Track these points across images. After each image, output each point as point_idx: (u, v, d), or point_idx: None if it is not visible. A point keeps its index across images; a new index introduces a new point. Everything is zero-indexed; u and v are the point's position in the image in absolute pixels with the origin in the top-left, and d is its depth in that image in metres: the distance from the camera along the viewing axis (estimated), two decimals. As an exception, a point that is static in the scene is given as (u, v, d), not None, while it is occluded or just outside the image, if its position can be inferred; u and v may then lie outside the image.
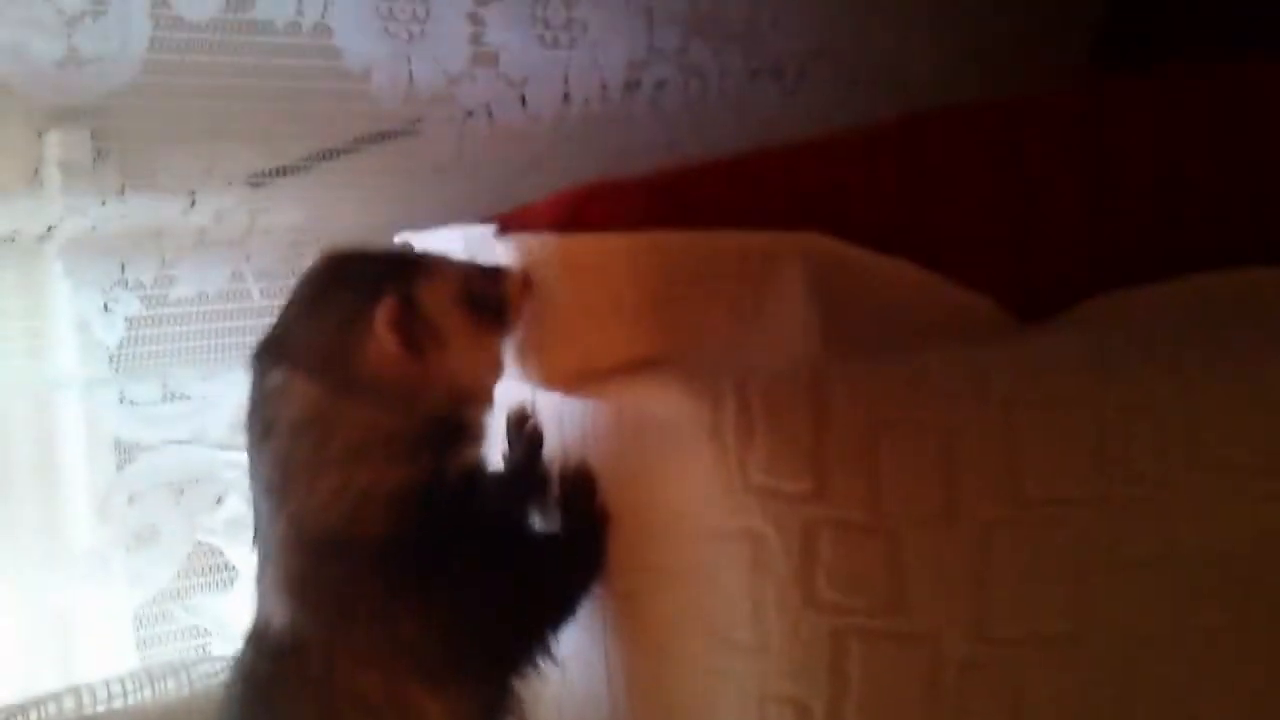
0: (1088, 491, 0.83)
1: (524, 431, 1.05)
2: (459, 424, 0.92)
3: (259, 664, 0.90)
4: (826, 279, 0.92)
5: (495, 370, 0.96)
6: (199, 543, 1.37)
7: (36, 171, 1.26)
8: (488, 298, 0.93)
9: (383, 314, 0.87)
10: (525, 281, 0.96)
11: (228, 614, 1.36)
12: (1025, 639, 0.81)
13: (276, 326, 0.94)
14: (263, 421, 0.90)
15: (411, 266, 0.93)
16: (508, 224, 1.06)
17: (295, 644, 0.88)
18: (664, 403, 0.88)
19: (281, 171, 1.38)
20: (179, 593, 1.33)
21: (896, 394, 0.84)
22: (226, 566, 1.39)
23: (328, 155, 1.42)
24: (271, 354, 0.91)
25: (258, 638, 0.91)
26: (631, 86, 1.54)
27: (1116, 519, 0.83)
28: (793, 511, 0.81)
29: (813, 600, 0.81)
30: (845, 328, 0.89)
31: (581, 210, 0.96)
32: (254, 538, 0.93)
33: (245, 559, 1.38)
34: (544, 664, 0.93)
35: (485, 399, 0.95)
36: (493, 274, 0.96)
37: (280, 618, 0.89)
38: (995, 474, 0.82)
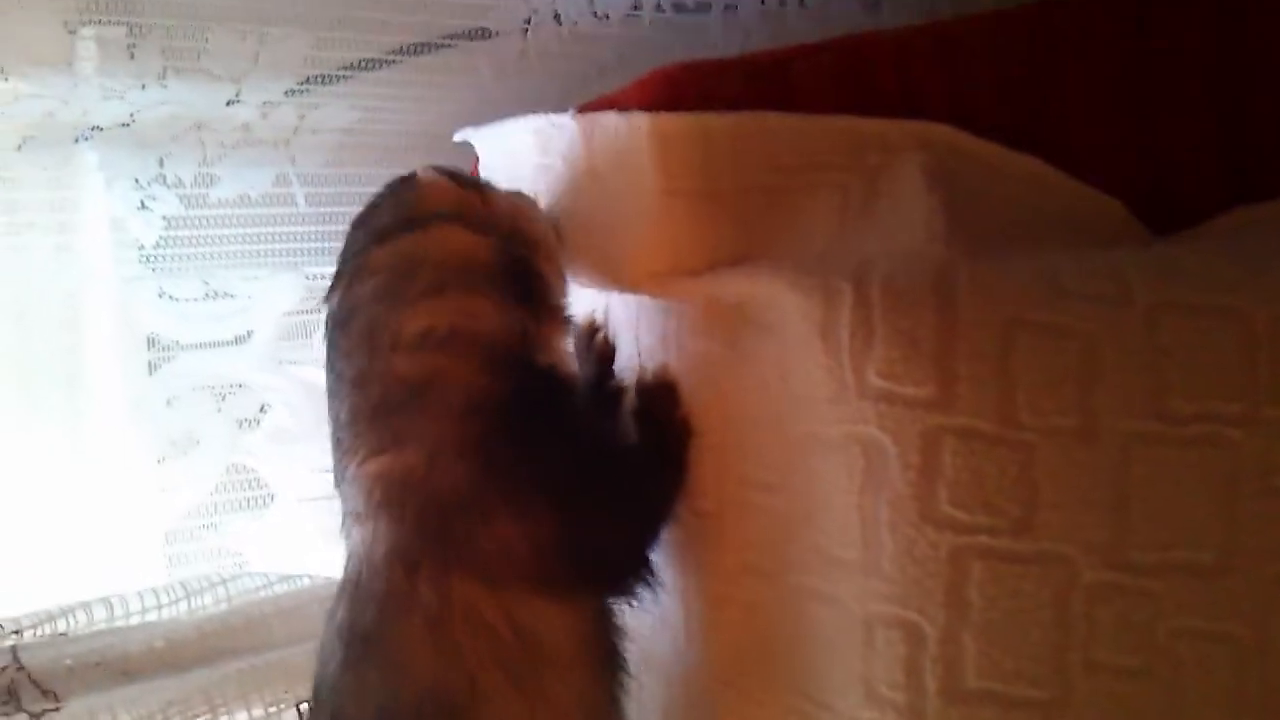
0: (1237, 411, 0.74)
1: (594, 345, 0.97)
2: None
3: (361, 616, 0.82)
4: (948, 172, 0.83)
5: None
6: (232, 464, 1.30)
7: (72, 53, 1.18)
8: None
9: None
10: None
11: (263, 537, 1.29)
12: (1165, 567, 0.73)
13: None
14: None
15: None
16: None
17: (399, 579, 0.80)
18: (766, 301, 0.80)
19: (330, 78, 1.30)
20: (214, 508, 1.26)
21: (1030, 295, 0.75)
22: (260, 484, 1.32)
23: (384, 58, 1.33)
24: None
25: (354, 588, 0.83)
26: (707, -4, 1.44)
27: (1268, 442, 0.74)
28: (913, 419, 0.73)
29: (931, 516, 0.73)
30: (969, 226, 0.81)
31: (673, 91, 0.87)
32: (335, 481, 0.86)
33: (284, 481, 1.32)
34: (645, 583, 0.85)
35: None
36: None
37: (380, 548, 0.81)
38: (1138, 386, 0.74)
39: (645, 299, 0.92)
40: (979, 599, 0.73)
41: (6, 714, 0.97)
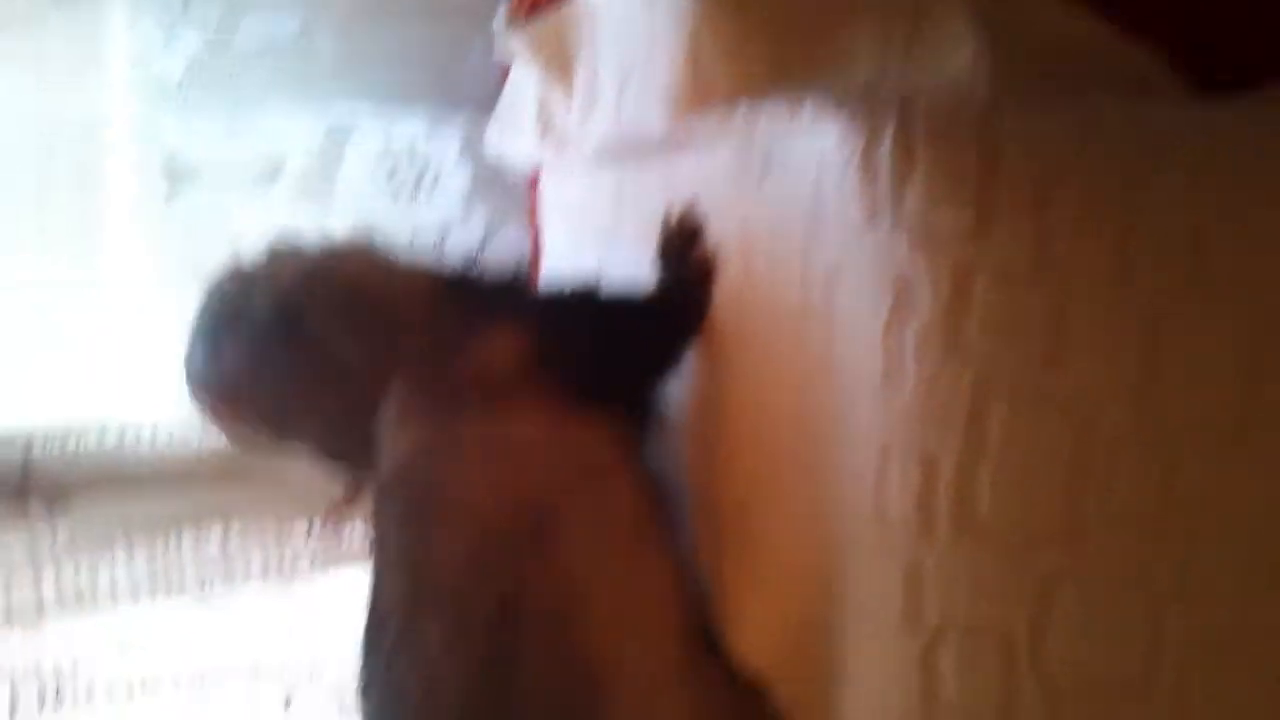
0: (1271, 271, 0.74)
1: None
2: None
3: (412, 490, 0.85)
4: (994, 13, 0.81)
5: None
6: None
7: None
8: None
9: None
10: None
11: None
12: (1188, 424, 0.73)
13: None
14: None
15: None
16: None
17: (438, 438, 0.84)
18: (802, 133, 0.79)
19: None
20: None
21: (1073, 141, 0.75)
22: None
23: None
24: None
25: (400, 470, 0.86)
26: None
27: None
28: (948, 249, 0.73)
29: (958, 347, 0.73)
30: (1013, 69, 0.80)
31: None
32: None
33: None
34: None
35: None
36: None
37: (413, 422, 0.86)
38: (1175, 243, 0.74)
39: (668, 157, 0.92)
40: (998, 435, 0.73)
41: (17, 517, 0.98)
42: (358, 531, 1.07)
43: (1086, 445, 0.73)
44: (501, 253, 1.13)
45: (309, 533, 1.04)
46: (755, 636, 0.87)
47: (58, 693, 1.03)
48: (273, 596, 1.07)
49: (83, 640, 1.03)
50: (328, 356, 0.91)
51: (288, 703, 1.14)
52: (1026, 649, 0.75)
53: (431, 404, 0.87)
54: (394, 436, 0.87)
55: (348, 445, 0.93)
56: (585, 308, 0.90)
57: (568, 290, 0.93)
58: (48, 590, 0.99)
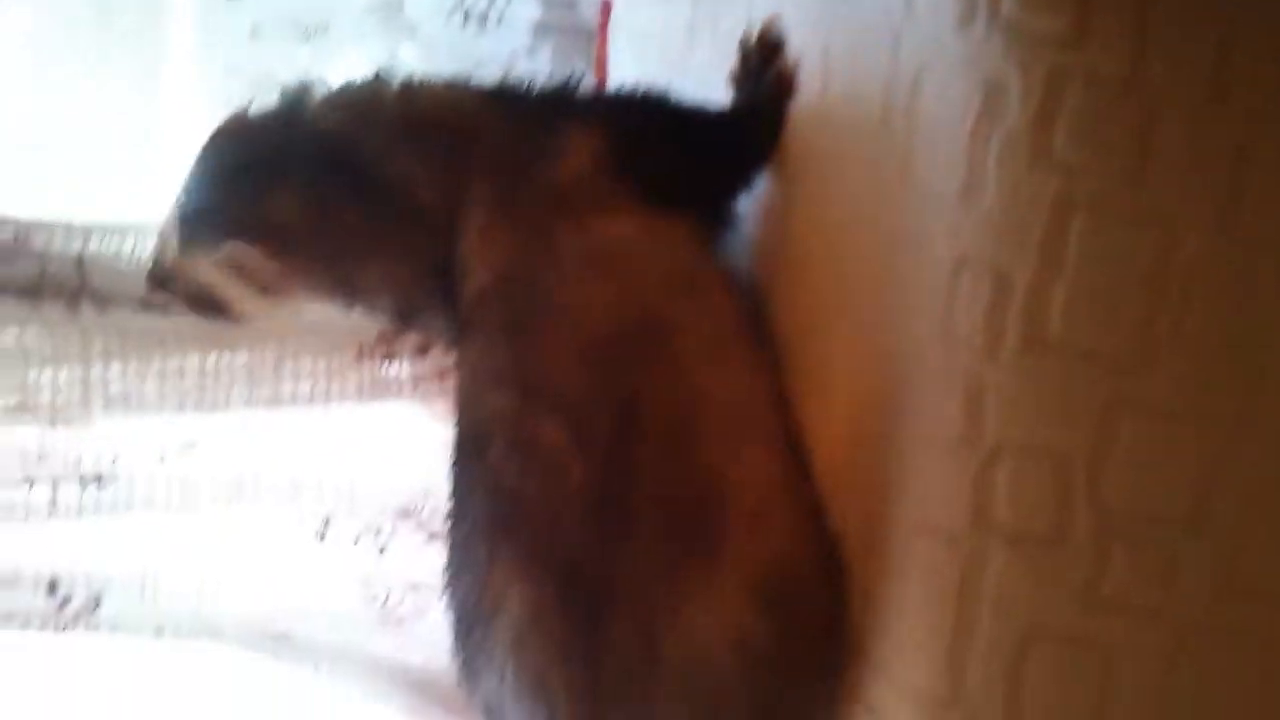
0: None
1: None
2: None
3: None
4: None
5: None
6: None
7: None
8: None
9: None
10: None
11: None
12: (1270, 252, 0.72)
13: None
14: None
15: None
16: None
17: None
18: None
19: None
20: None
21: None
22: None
23: None
24: None
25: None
26: None
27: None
28: (1043, 55, 0.71)
29: (1044, 156, 0.71)
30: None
31: None
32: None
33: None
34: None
35: None
36: None
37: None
38: (1273, 63, 0.71)
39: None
40: (1076, 250, 0.72)
41: (70, 316, 0.98)
42: (406, 365, 1.06)
43: (1165, 266, 0.72)
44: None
45: (359, 360, 1.03)
46: (816, 451, 0.87)
47: (97, 497, 1.03)
48: (318, 421, 1.07)
49: (125, 445, 1.03)
50: (394, 192, 0.88)
51: (323, 534, 1.15)
52: (1084, 475, 0.74)
53: (517, 220, 0.86)
54: (481, 259, 0.86)
55: (417, 297, 0.92)
56: (658, 111, 0.88)
57: (639, 93, 0.91)
58: (95, 392, 0.99)
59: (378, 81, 0.93)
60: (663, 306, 0.83)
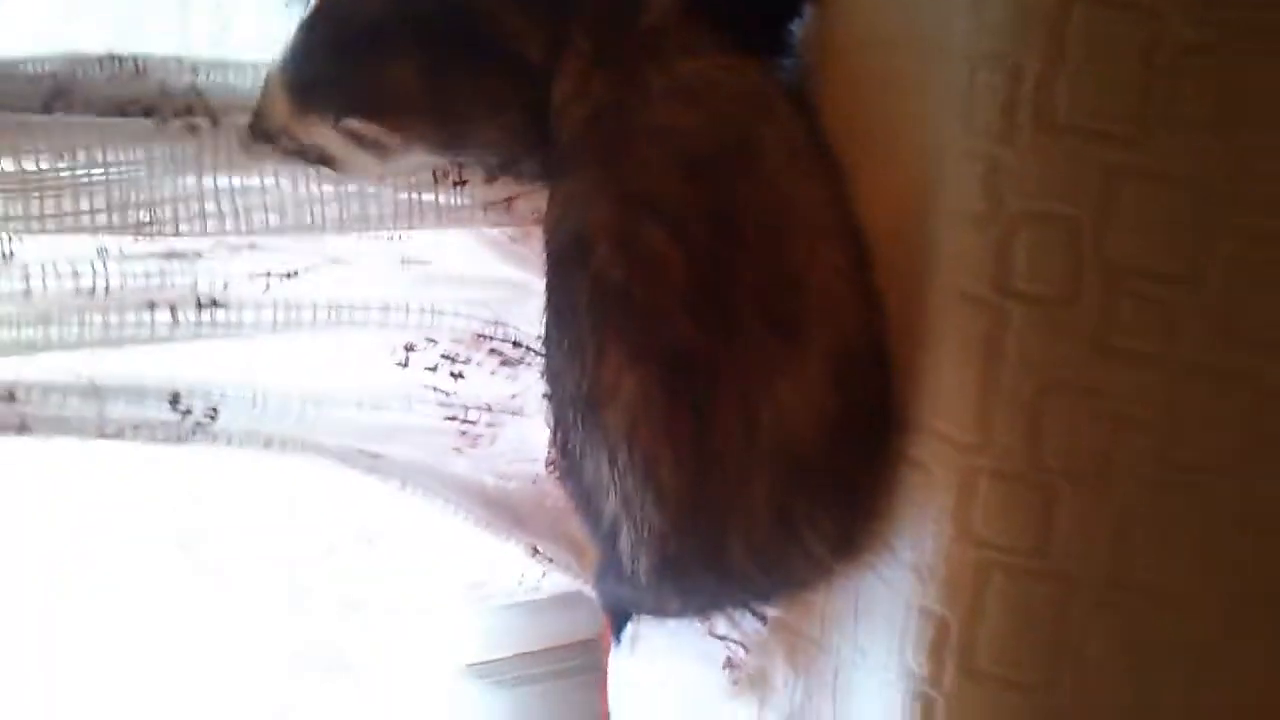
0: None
1: None
2: None
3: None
4: None
5: None
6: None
7: None
8: None
9: None
10: None
11: None
12: (1250, 25, 0.82)
13: None
14: None
15: None
16: None
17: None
18: None
19: None
20: None
21: None
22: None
23: None
24: None
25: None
26: None
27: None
28: None
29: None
30: None
31: None
32: None
33: None
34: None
35: None
36: None
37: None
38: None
39: None
40: (1077, 36, 0.82)
41: (186, 129, 1.06)
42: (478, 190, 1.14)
43: (1158, 46, 0.82)
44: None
45: (435, 184, 1.12)
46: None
47: (212, 319, 1.14)
48: (401, 247, 1.17)
49: (235, 273, 1.14)
50: (507, 52, 0.96)
51: (405, 361, 1.26)
52: (1091, 238, 0.85)
53: (610, 64, 0.95)
54: (579, 102, 0.96)
55: (521, 147, 1.01)
56: None
57: None
58: (210, 205, 1.07)
59: None
60: (748, 128, 0.94)
